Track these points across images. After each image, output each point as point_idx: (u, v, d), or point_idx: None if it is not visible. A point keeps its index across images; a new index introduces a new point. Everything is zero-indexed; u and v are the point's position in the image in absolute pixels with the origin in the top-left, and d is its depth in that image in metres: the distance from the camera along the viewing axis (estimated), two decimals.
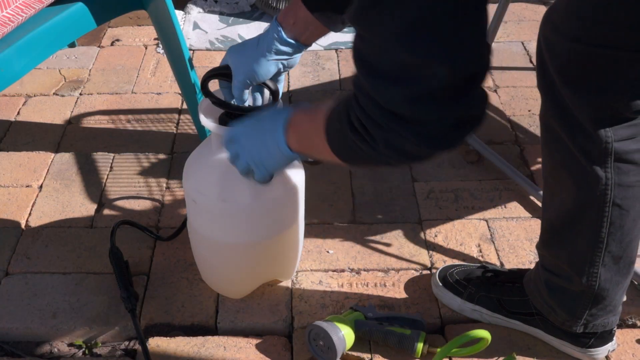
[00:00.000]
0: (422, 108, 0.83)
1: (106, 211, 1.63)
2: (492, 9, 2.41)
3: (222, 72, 1.19)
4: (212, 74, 1.20)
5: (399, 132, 0.85)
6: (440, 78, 0.80)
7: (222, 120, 1.19)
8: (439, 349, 1.26)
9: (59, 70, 2.14)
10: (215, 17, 2.44)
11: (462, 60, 0.80)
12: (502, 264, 1.49)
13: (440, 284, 1.39)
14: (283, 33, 1.12)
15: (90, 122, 1.92)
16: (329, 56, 2.22)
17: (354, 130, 0.90)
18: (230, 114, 1.19)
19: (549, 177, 1.19)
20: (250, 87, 1.19)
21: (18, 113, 1.96)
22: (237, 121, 1.15)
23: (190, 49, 2.23)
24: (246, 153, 1.12)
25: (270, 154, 1.09)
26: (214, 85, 1.19)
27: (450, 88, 0.81)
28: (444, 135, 0.86)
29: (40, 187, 1.70)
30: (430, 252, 1.52)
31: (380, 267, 1.48)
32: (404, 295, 1.42)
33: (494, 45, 2.15)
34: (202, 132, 1.77)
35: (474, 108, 0.87)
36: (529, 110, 1.96)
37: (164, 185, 1.71)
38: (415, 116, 0.84)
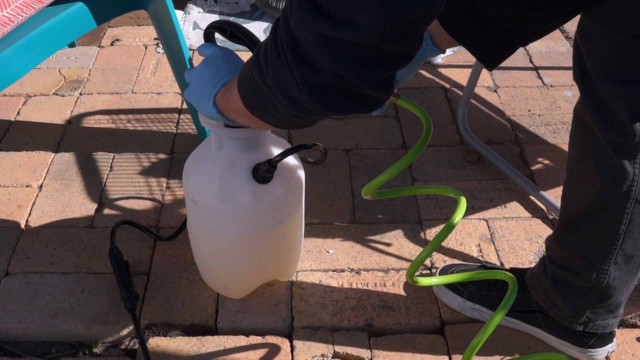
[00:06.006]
0: (323, 49, 0.78)
1: (106, 211, 1.63)
2: None
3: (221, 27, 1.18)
4: (213, 27, 1.19)
5: (290, 66, 0.83)
6: (370, 20, 0.75)
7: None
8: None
9: (59, 70, 2.14)
10: (215, 17, 2.44)
11: (398, 7, 0.75)
12: (502, 264, 1.49)
13: None
14: None
15: (90, 122, 1.92)
16: None
17: (259, 59, 0.89)
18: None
19: (574, 169, 1.18)
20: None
21: (18, 113, 1.96)
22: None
23: (190, 49, 2.23)
24: (191, 89, 1.14)
25: (200, 103, 1.11)
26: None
27: (369, 44, 0.77)
28: (328, 93, 0.83)
29: (40, 187, 1.70)
30: None
31: (380, 267, 1.48)
32: (404, 295, 1.42)
33: None
34: (202, 132, 1.77)
35: (375, 87, 0.83)
36: (529, 110, 1.96)
37: (164, 185, 1.71)
38: (313, 52, 0.80)
